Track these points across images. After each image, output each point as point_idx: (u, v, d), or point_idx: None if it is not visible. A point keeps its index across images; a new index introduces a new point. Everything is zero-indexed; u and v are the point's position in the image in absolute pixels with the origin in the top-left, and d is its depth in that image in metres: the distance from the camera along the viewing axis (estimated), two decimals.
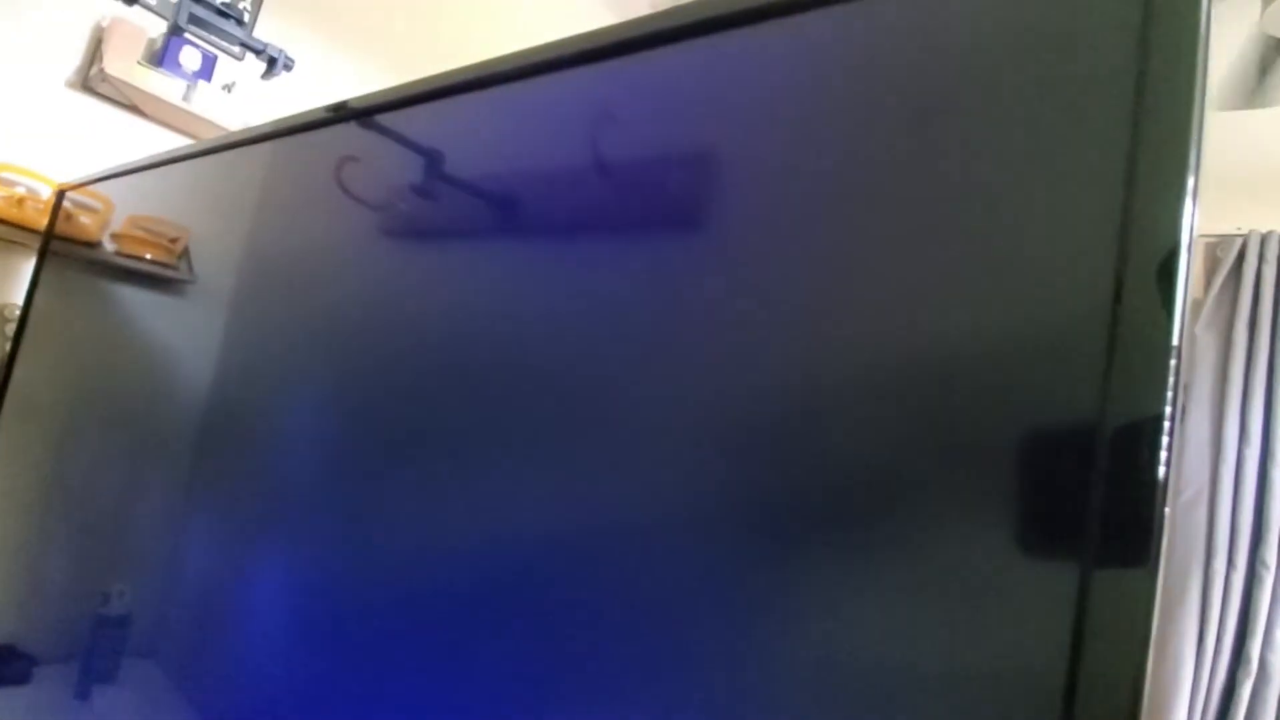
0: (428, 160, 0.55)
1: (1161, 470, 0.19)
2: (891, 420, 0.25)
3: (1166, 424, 0.19)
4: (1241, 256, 1.69)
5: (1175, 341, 0.20)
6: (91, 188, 1.10)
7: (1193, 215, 0.21)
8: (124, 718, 0.69)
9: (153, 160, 0.96)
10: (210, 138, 0.87)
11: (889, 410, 0.25)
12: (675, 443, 0.32)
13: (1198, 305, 1.74)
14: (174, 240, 0.91)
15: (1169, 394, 0.19)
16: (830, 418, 0.27)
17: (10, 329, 1.17)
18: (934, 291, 0.25)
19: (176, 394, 0.76)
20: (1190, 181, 0.21)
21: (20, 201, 1.16)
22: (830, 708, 0.25)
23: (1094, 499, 0.20)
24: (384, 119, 0.58)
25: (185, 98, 1.26)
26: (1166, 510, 0.19)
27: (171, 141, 1.36)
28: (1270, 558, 1.52)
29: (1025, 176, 0.24)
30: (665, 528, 0.32)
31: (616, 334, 0.37)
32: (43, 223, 1.16)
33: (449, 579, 0.42)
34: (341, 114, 0.62)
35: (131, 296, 0.97)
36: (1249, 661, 1.51)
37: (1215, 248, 1.76)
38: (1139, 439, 0.20)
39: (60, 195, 1.15)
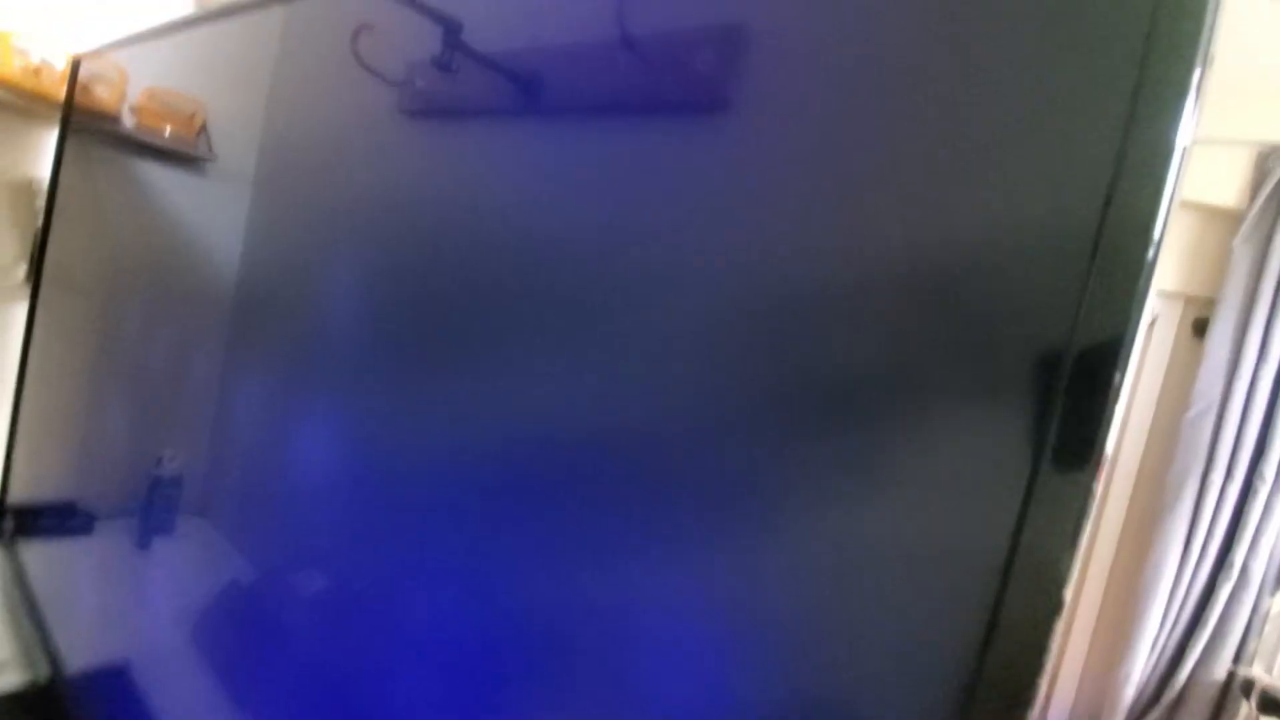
0: (442, 24, 0.53)
1: (1118, 376, 0.21)
2: (874, 312, 0.27)
3: (1129, 336, 0.20)
4: None
5: (1151, 255, 0.21)
6: (107, 57, 1.08)
7: (1191, 120, 0.21)
8: (178, 567, 0.77)
9: (165, 26, 0.93)
10: (220, 2, 0.85)
11: (872, 303, 0.27)
12: (670, 331, 0.34)
13: (1238, 217, 1.68)
14: (191, 115, 0.90)
15: (1136, 304, 0.20)
16: (812, 312, 0.28)
17: (40, 202, 1.19)
18: (928, 186, 0.26)
19: (208, 266, 0.78)
20: (1194, 79, 0.21)
21: (37, 71, 1.14)
22: (805, 581, 0.28)
23: (1055, 398, 0.21)
24: None
25: None
26: (1142, 419, 0.21)
27: (183, 10, 1.32)
28: (1269, 472, 1.55)
29: (1033, 71, 0.24)
30: (659, 406, 0.34)
31: (637, 216, 0.38)
32: (60, 93, 1.15)
33: (479, 446, 0.45)
34: None
35: (156, 172, 0.98)
36: (1231, 566, 1.57)
37: (1266, 158, 1.67)
38: (1104, 351, 0.21)
39: (76, 64, 1.14)
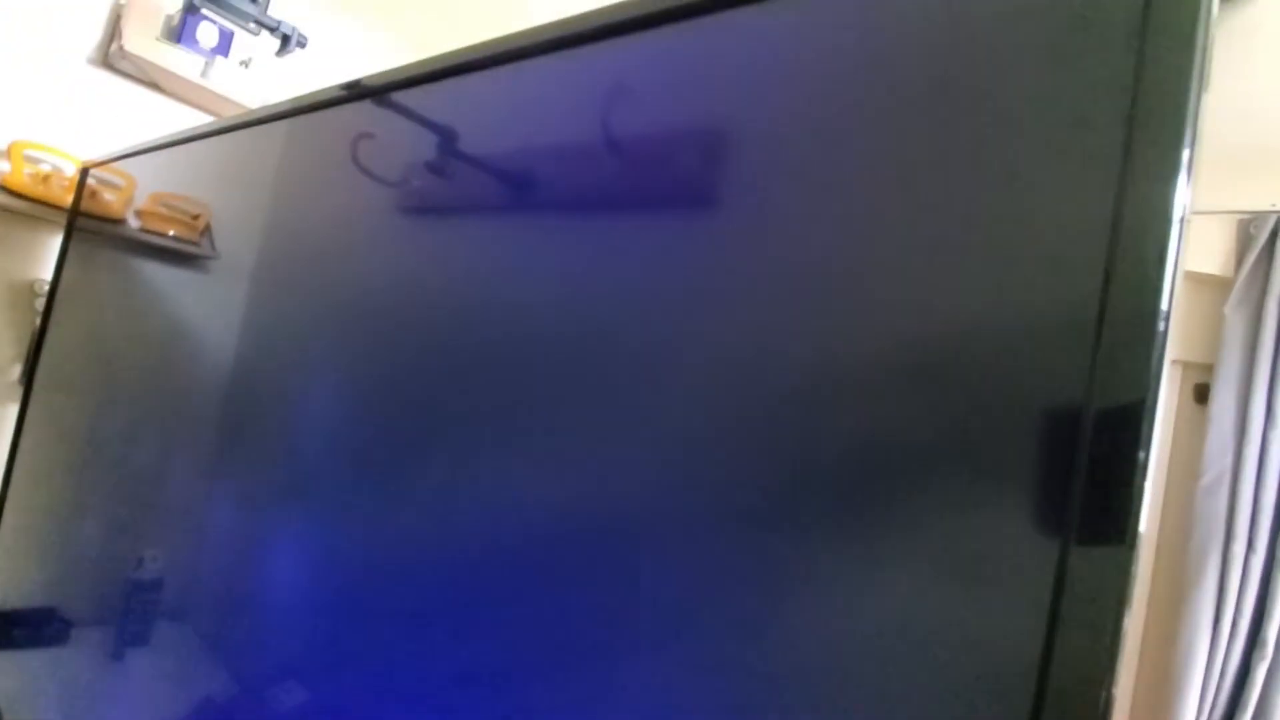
0: (442, 138, 0.55)
1: (1142, 453, 0.19)
2: (885, 398, 0.26)
3: (1149, 407, 0.19)
4: (1275, 234, 1.65)
5: (1161, 326, 0.20)
6: (114, 165, 1.12)
7: (1186, 194, 0.21)
8: (157, 677, 0.72)
9: (174, 138, 0.97)
10: (229, 115, 0.88)
11: (882, 388, 0.26)
12: (678, 421, 0.33)
13: (1228, 284, 1.70)
14: (196, 217, 0.92)
15: (1153, 376, 0.19)
16: (822, 396, 0.27)
17: (40, 304, 1.20)
18: (926, 271, 0.25)
19: (202, 368, 0.78)
20: (1184, 157, 0.21)
21: (46, 179, 1.18)
22: (825, 673, 0.26)
23: (1076, 478, 0.20)
24: (398, 97, 0.58)
25: (203, 74, 1.27)
26: (1148, 489, 0.20)
27: (190, 119, 1.38)
28: None
29: (1020, 155, 0.24)
30: (666, 498, 0.32)
31: (632, 315, 0.37)
32: (68, 200, 1.19)
33: (467, 555, 0.43)
34: (355, 92, 0.63)
35: (156, 272, 0.99)
36: (1265, 645, 1.50)
37: (1249, 224, 1.71)
38: (1122, 421, 0.20)
39: (84, 172, 1.17)
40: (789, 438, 0.28)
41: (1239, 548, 1.54)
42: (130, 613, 0.78)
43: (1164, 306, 0.20)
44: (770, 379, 0.29)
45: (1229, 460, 1.58)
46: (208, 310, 0.83)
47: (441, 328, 0.50)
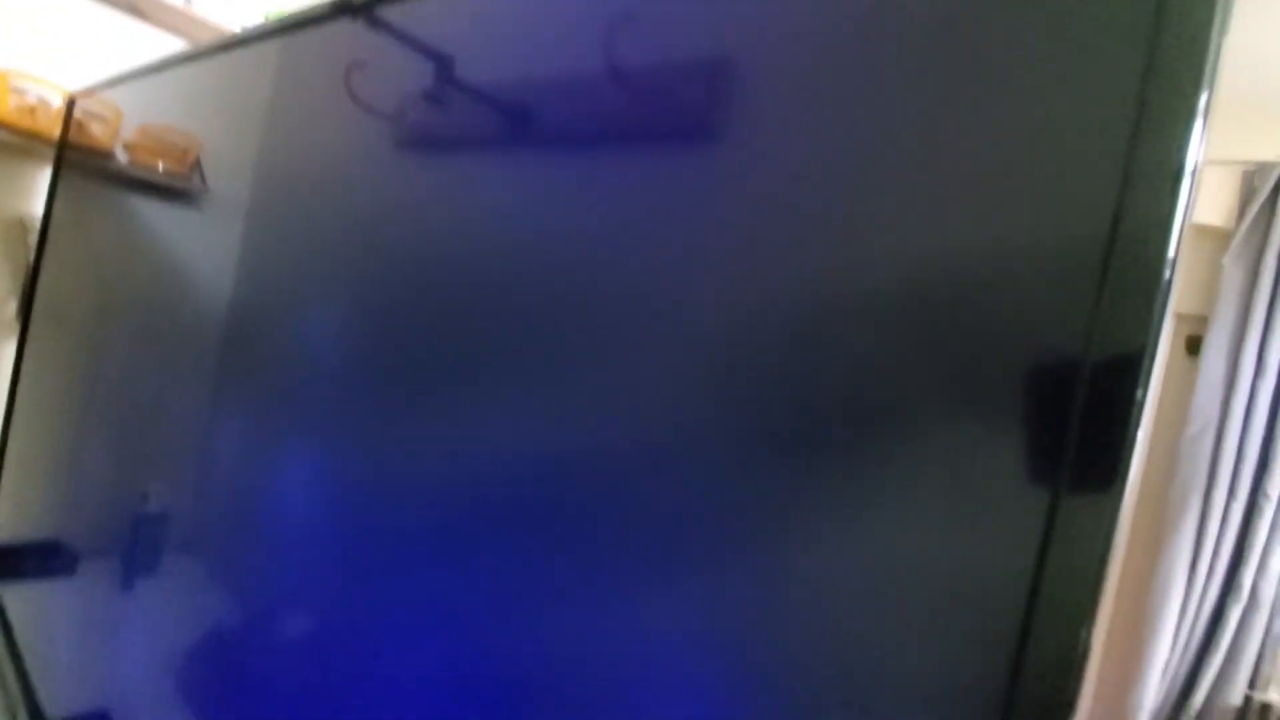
0: (443, 58, 0.53)
1: (1138, 403, 0.20)
2: (883, 332, 0.26)
3: (1149, 358, 0.20)
4: (1279, 186, 1.63)
5: (1167, 275, 0.20)
6: (101, 95, 1.09)
7: (1201, 141, 0.21)
8: (163, 608, 0.75)
9: (160, 63, 0.94)
10: (214, 39, 0.85)
11: (881, 322, 0.26)
12: (674, 349, 0.33)
13: (1227, 236, 1.69)
14: (185, 151, 0.90)
15: (1154, 327, 0.20)
16: (818, 329, 0.27)
17: (32, 239, 1.19)
18: (931, 205, 0.25)
19: (198, 302, 0.77)
20: (1202, 102, 0.21)
21: (33, 110, 1.15)
22: (815, 605, 0.27)
23: (1071, 424, 0.21)
24: (396, 11, 0.56)
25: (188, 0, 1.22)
26: (1140, 438, 0.20)
27: (175, 49, 1.33)
28: (1273, 490, 1.54)
29: (1034, 91, 0.24)
30: (666, 425, 0.33)
31: (628, 240, 0.37)
32: (56, 131, 1.16)
33: (465, 472, 0.44)
34: (350, 7, 0.61)
35: (148, 206, 0.98)
36: (1240, 588, 1.55)
37: (1253, 176, 1.69)
38: (1121, 370, 0.20)
39: (71, 103, 1.14)
40: (785, 372, 0.28)
41: (1220, 495, 1.57)
42: (137, 544, 0.79)
43: (1171, 255, 0.20)
44: (769, 313, 0.29)
45: (1216, 411, 1.60)
46: (202, 244, 0.82)
47: (443, 254, 0.49)
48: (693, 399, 0.32)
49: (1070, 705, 0.20)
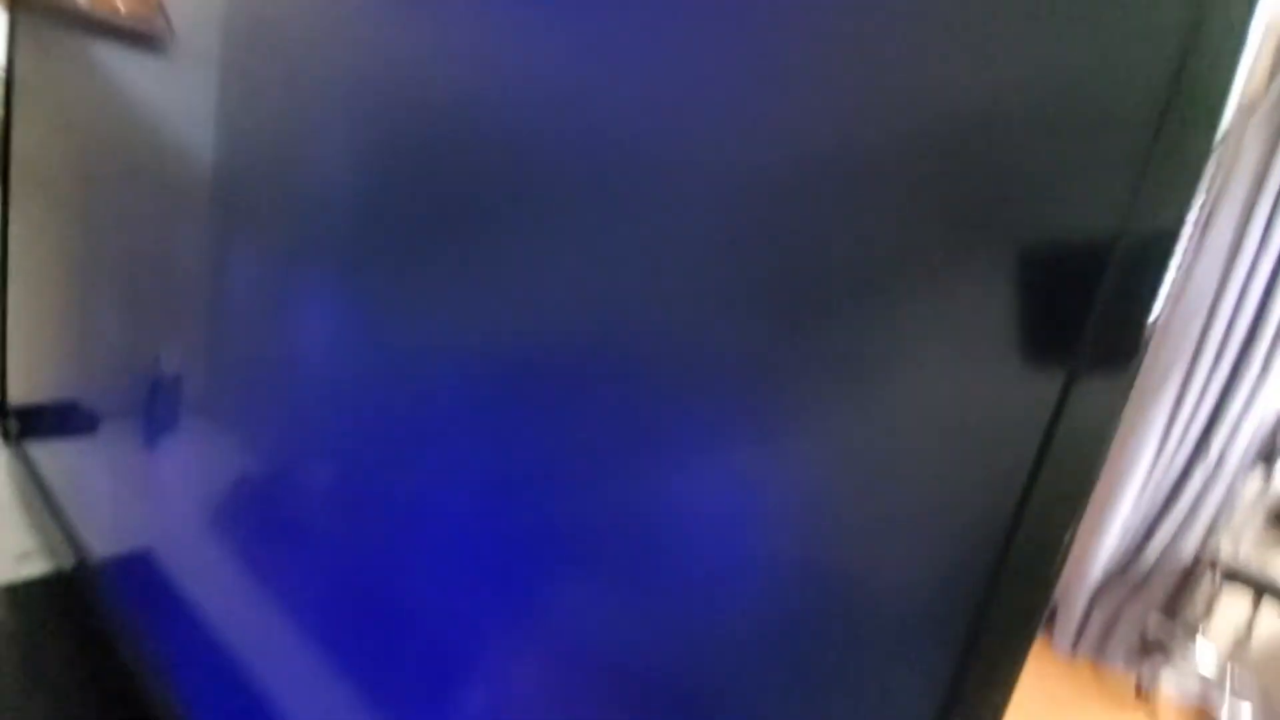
0: None
1: (1164, 281, 0.20)
2: (902, 176, 0.25)
3: (1181, 231, 0.19)
4: None
5: (1216, 142, 0.19)
6: None
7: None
8: (183, 461, 0.78)
9: None
10: None
11: (901, 165, 0.25)
12: (684, 202, 0.32)
13: (1251, 102, 1.62)
14: None
15: (1192, 196, 0.19)
16: (836, 178, 0.27)
17: None
18: (970, 44, 0.24)
19: (183, 149, 0.74)
20: None
21: None
22: (821, 474, 0.28)
23: (1096, 298, 0.20)
24: None
25: None
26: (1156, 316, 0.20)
27: None
28: (1256, 361, 1.57)
29: None
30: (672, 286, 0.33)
31: (636, 83, 0.35)
32: None
33: (482, 311, 0.43)
34: None
35: (117, 51, 0.91)
36: (1208, 451, 1.63)
37: None
38: (1155, 245, 0.20)
39: None
40: (800, 225, 0.28)
41: (1205, 363, 1.61)
42: (154, 397, 0.81)
43: (1223, 122, 0.19)
44: (780, 157, 0.29)
45: (1214, 283, 1.61)
46: (179, 88, 0.77)
47: (443, 76, 0.46)
48: (697, 252, 0.32)
49: (1056, 573, 0.21)
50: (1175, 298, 1.67)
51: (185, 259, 0.75)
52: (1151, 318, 0.20)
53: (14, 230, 1.16)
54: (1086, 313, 0.20)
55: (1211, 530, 1.66)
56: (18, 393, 1.26)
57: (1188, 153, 0.19)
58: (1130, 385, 0.20)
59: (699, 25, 0.33)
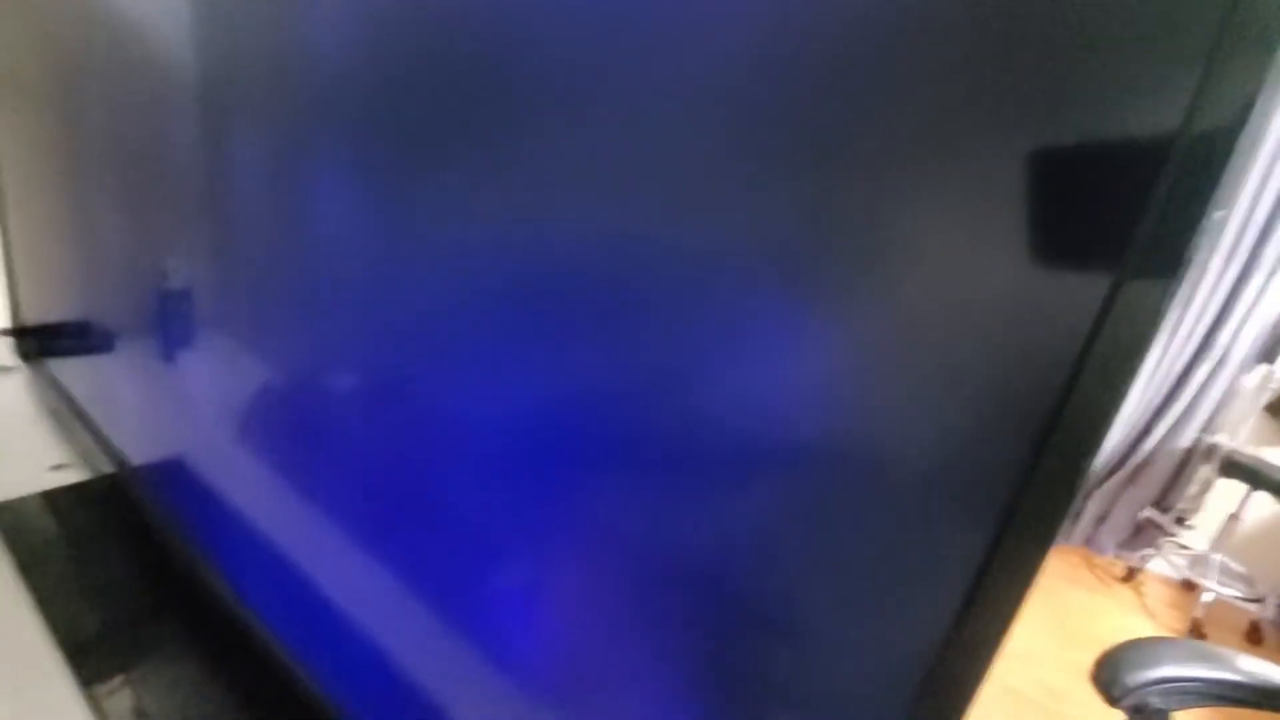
0: None
1: (1227, 175, 0.19)
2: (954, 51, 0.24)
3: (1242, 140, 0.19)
4: None
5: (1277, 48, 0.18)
6: None
7: None
8: (202, 372, 0.78)
9: None
10: None
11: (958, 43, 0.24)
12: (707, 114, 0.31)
13: None
14: None
15: (1254, 106, 0.19)
16: (889, 58, 0.26)
17: None
18: None
19: (168, 45, 0.70)
20: None
21: None
22: (880, 362, 0.29)
23: (1151, 201, 0.20)
24: None
25: None
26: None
27: None
28: (1267, 258, 1.56)
29: None
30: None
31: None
32: None
33: (490, 209, 0.42)
34: None
35: None
36: (1212, 347, 1.64)
37: None
38: (1215, 150, 0.19)
39: None
40: (849, 106, 0.27)
41: (1217, 262, 1.60)
42: (164, 315, 0.81)
43: None
44: (828, 32, 0.28)
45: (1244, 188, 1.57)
46: None
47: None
48: (745, 129, 0.31)
49: (1087, 468, 0.22)
50: None
51: (183, 156, 0.71)
52: (1204, 222, 0.20)
53: (2, 150, 1.13)
54: (1140, 213, 0.20)
55: (1209, 425, 1.70)
56: (31, 312, 1.27)
57: (1252, 52, 0.18)
58: (1176, 288, 0.20)
59: None
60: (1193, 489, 1.73)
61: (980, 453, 0.25)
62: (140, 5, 0.74)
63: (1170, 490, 1.77)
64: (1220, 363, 1.65)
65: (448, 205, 0.45)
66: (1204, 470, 1.69)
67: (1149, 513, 1.78)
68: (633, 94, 0.34)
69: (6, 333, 1.32)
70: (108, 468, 1.07)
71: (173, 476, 0.89)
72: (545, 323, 0.40)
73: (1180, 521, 1.75)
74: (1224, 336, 1.63)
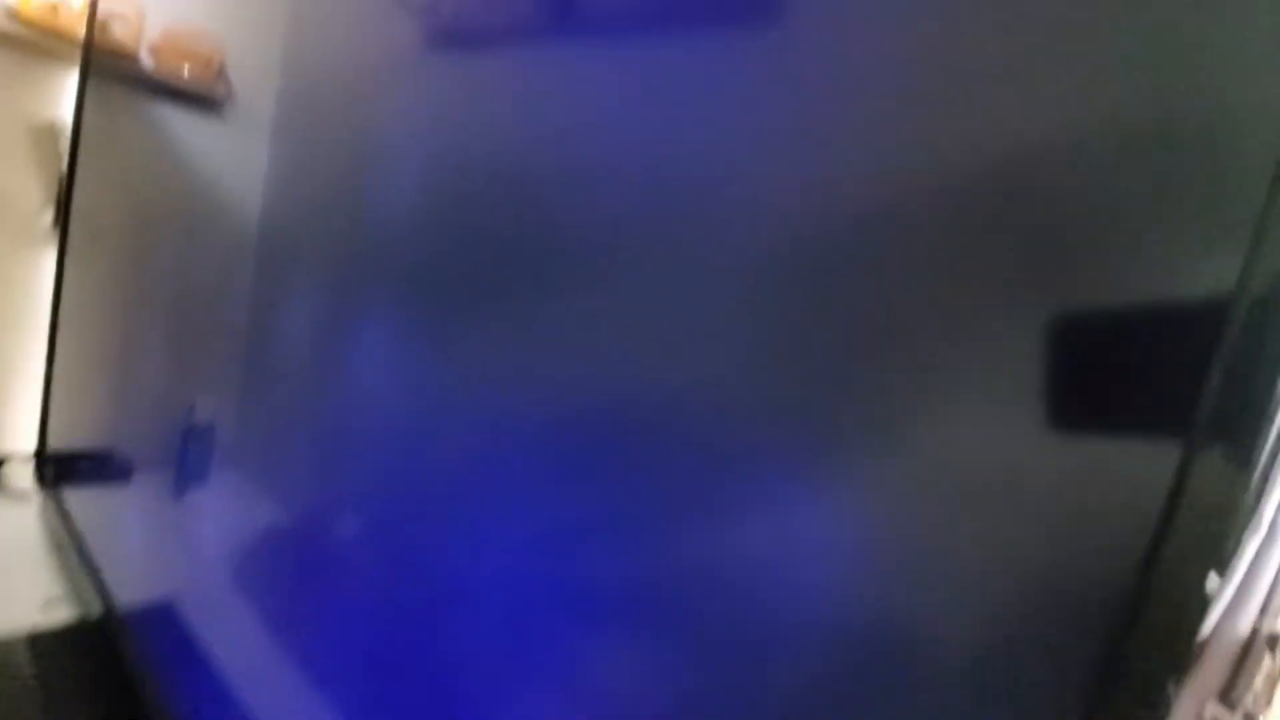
0: None
1: None
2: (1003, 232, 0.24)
3: None
4: None
5: None
6: None
7: None
8: (216, 512, 0.77)
9: None
10: None
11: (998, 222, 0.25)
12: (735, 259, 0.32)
13: None
14: (210, 58, 0.87)
15: None
16: (930, 232, 0.26)
17: (64, 145, 1.17)
18: (1077, 84, 0.23)
19: (234, 208, 0.76)
20: None
21: (55, 8, 1.11)
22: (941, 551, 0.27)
23: (1214, 372, 0.19)
24: None
25: None
26: None
27: None
28: None
29: None
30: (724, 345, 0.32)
31: (686, 144, 0.35)
32: (79, 31, 1.12)
33: (528, 372, 0.43)
34: None
35: (177, 112, 0.96)
36: (1259, 522, 1.56)
37: None
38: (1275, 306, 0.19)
39: (94, 0, 1.10)
40: (898, 279, 0.27)
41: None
42: (188, 450, 0.82)
43: None
44: (875, 198, 0.28)
45: None
46: (234, 150, 0.81)
47: (482, 154, 0.47)
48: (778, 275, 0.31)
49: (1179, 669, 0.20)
50: None
51: (229, 311, 0.76)
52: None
53: (69, 280, 1.20)
54: (1202, 377, 0.19)
55: (1267, 605, 1.58)
56: (57, 439, 1.28)
57: None
58: (1258, 457, 0.19)
59: (755, 88, 0.33)
60: (1258, 681, 1.58)
61: (1039, 664, 0.23)
62: (213, 171, 0.81)
63: (1235, 682, 1.61)
64: (1270, 538, 1.56)
65: (481, 377, 0.47)
66: (1268, 662, 1.55)
67: (1213, 709, 1.61)
68: (664, 277, 0.36)
69: (30, 458, 1.33)
70: (98, 608, 1.03)
71: (160, 627, 0.85)
72: (574, 498, 0.40)
73: None
74: (1269, 510, 1.55)
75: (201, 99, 0.89)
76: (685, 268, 0.35)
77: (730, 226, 0.33)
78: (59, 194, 1.20)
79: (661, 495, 0.35)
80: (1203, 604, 0.20)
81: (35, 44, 1.13)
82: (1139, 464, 0.21)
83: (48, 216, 1.24)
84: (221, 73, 0.86)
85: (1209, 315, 0.19)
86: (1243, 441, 0.19)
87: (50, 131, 1.20)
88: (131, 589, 0.95)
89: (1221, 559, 0.19)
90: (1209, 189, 0.20)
